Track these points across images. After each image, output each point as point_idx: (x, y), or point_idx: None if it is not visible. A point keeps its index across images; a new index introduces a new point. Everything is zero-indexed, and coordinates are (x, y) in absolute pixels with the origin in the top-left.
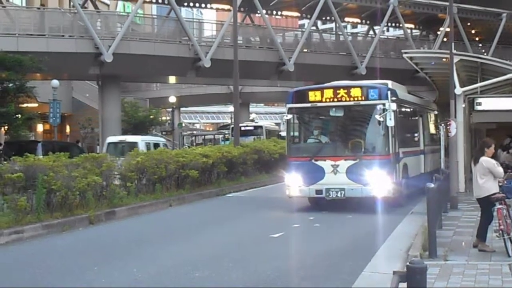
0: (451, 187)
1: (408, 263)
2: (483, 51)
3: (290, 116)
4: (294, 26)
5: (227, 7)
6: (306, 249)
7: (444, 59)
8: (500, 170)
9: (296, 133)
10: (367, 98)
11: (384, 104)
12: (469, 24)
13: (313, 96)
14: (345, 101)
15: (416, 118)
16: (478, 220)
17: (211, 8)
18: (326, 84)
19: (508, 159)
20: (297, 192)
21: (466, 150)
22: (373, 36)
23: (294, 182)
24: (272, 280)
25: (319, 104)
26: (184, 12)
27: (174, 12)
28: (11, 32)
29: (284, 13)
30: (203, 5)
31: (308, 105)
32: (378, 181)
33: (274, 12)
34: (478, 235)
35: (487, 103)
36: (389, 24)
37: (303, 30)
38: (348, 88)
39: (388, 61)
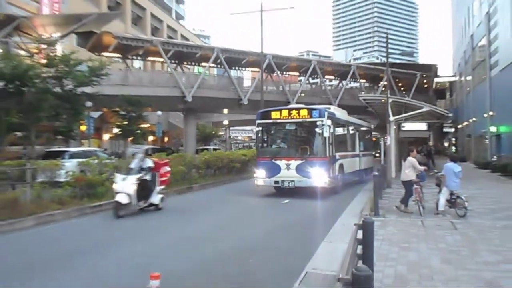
0: (387, 174)
1: (363, 219)
2: (406, 95)
3: (258, 129)
4: (295, 81)
5: (257, 69)
6: (303, 212)
7: (383, 100)
8: (418, 166)
9: (263, 141)
10: (311, 116)
11: (322, 121)
12: (397, 80)
13: (274, 114)
14: (296, 118)
15: (353, 132)
16: (403, 194)
17: (248, 70)
18: (283, 107)
19: (421, 159)
20: (262, 182)
21: (396, 153)
22: (342, 86)
23: (260, 175)
24: (284, 226)
25: (278, 120)
26: (233, 72)
27: (227, 72)
28: (134, 84)
29: (290, 73)
30: (242, 68)
31: (270, 121)
32: (318, 175)
33: (284, 73)
34: (403, 202)
35: (408, 126)
36: (351, 79)
37: (301, 83)
38: (298, 109)
39: (351, 101)
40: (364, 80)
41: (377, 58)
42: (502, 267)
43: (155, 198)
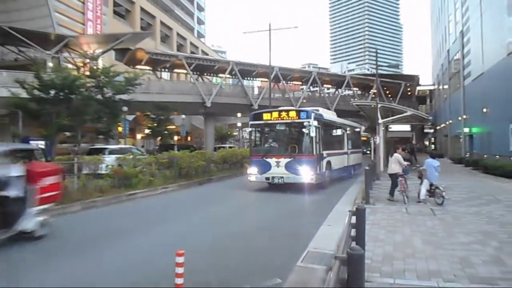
0: (376, 168)
1: (356, 206)
2: (392, 101)
3: (251, 129)
4: (297, 89)
5: (266, 79)
6: (300, 202)
7: (372, 106)
8: (403, 161)
9: (255, 140)
10: (299, 118)
11: (309, 122)
12: (385, 88)
13: (266, 116)
14: (286, 119)
15: (341, 131)
16: (390, 185)
17: (257, 80)
18: (274, 109)
19: (405, 155)
20: (254, 178)
21: (384, 150)
22: (338, 93)
23: (252, 172)
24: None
25: (269, 122)
26: (245, 82)
27: (240, 82)
28: (162, 92)
29: (293, 82)
30: (254, 79)
31: (262, 122)
32: (305, 172)
33: (288, 82)
34: (390, 193)
35: (394, 127)
36: (346, 88)
37: (303, 91)
38: (287, 111)
39: (345, 106)
40: (356, 88)
41: (368, 70)
42: (473, 247)
43: (28, 223)
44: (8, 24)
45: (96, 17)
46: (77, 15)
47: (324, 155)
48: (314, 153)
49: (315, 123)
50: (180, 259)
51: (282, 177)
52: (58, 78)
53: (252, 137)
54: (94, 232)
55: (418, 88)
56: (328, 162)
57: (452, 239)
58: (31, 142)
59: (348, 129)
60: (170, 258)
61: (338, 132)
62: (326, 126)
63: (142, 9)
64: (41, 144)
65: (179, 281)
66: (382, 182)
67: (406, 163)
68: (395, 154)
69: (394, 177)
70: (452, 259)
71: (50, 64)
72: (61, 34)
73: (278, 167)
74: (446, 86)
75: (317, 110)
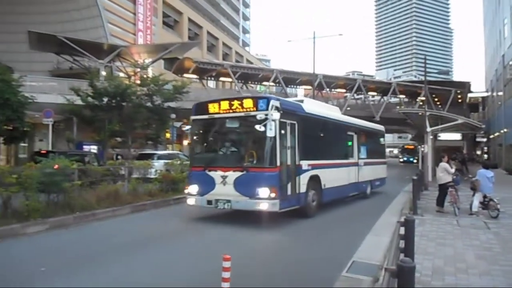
0: (425, 178)
1: (404, 217)
2: (441, 109)
3: (192, 127)
4: (341, 96)
5: (309, 87)
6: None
7: (420, 113)
8: (450, 169)
9: (197, 144)
10: (257, 109)
11: (266, 115)
12: (433, 95)
13: (212, 107)
14: (238, 111)
15: (345, 134)
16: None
17: (301, 88)
18: (224, 98)
19: (456, 165)
20: (193, 201)
21: (432, 160)
22: (383, 101)
23: (192, 191)
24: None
25: (216, 115)
26: (288, 89)
27: (284, 90)
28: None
29: (338, 90)
30: (297, 86)
31: (207, 116)
32: (262, 193)
33: (331, 90)
34: (438, 204)
35: (443, 136)
36: (392, 95)
37: (347, 98)
38: (241, 99)
39: (391, 114)
40: (403, 96)
41: (415, 76)
42: None
43: None
44: (63, 34)
45: (146, 28)
46: (128, 26)
47: (305, 167)
48: (280, 163)
49: (277, 116)
50: (226, 264)
51: (228, 201)
52: (110, 86)
53: (194, 139)
54: (155, 232)
55: (470, 95)
56: (314, 178)
57: (508, 254)
58: (84, 146)
59: (359, 131)
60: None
61: (339, 134)
62: (310, 124)
63: (189, 19)
64: (93, 148)
65: (225, 285)
66: (431, 193)
67: (453, 170)
68: (441, 163)
69: (443, 187)
70: (508, 276)
71: (103, 73)
72: (114, 44)
73: (224, 185)
74: (500, 93)
75: (301, 102)
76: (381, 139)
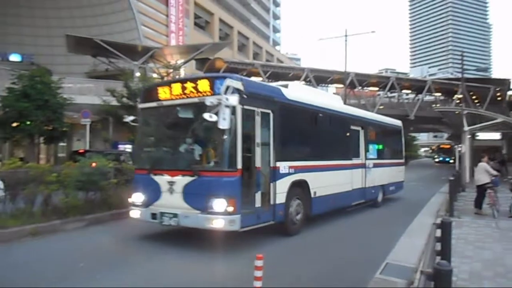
0: (462, 179)
1: (441, 219)
2: (479, 107)
3: (138, 118)
4: (373, 95)
5: (341, 85)
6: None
7: (457, 112)
8: (491, 170)
9: (144, 140)
10: (214, 93)
11: (219, 101)
12: (471, 93)
13: (162, 93)
14: (192, 96)
15: (346, 128)
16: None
17: (332, 86)
18: (177, 79)
19: (495, 166)
20: (138, 214)
21: (470, 160)
22: (418, 99)
23: (136, 201)
24: None
25: (165, 103)
26: (320, 88)
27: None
28: None
29: (370, 88)
30: (329, 85)
31: (155, 104)
32: (217, 208)
33: (363, 88)
34: (476, 205)
35: (482, 135)
36: (427, 93)
37: (380, 96)
38: (195, 80)
39: (426, 112)
40: (439, 94)
41: (451, 74)
42: None
43: None
44: (100, 37)
45: (178, 29)
46: (161, 27)
47: (284, 171)
48: (242, 165)
49: (233, 101)
50: (259, 262)
51: (175, 215)
52: (144, 87)
53: (140, 133)
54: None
55: (510, 93)
56: (300, 184)
57: None
58: (119, 146)
59: (368, 126)
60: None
61: (338, 129)
62: (294, 115)
63: (220, 20)
64: (128, 148)
65: (257, 284)
66: (468, 194)
67: (494, 172)
68: (480, 163)
69: (481, 189)
70: None
71: (137, 74)
72: (147, 46)
73: (171, 194)
74: None
75: (285, 86)
76: (398, 136)
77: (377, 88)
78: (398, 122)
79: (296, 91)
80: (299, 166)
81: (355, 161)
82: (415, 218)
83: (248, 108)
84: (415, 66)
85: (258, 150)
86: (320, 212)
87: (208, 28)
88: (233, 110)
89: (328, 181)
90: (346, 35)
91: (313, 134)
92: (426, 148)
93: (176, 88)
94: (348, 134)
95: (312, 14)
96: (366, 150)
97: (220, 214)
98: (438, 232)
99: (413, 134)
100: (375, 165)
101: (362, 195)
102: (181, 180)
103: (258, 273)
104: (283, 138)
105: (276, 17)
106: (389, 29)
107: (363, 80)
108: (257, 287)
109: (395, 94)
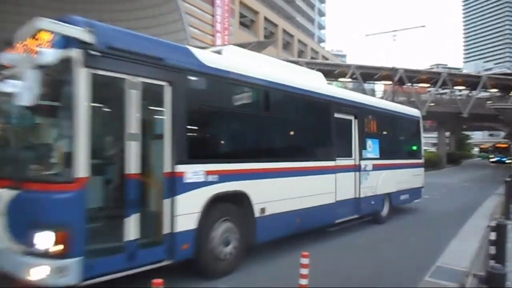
0: None
1: (496, 221)
2: None
3: None
4: (423, 91)
5: (389, 82)
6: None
7: None
8: None
9: None
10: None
11: (25, 57)
12: None
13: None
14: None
15: (335, 118)
16: None
17: (379, 83)
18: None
19: None
20: None
21: None
22: (472, 95)
23: None
24: None
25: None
26: (365, 85)
27: (362, 86)
28: None
29: (420, 84)
30: (376, 82)
31: None
32: (39, 245)
33: (413, 84)
34: None
35: None
36: (481, 89)
37: (430, 93)
38: (36, 32)
39: (481, 109)
40: (495, 90)
41: (508, 68)
42: None
43: None
44: None
45: (224, 29)
46: (207, 28)
47: (196, 178)
48: (82, 171)
49: (49, 57)
50: (304, 260)
51: None
52: None
53: None
54: None
55: None
56: (233, 199)
57: None
58: None
59: (364, 114)
60: None
61: (311, 116)
62: (213, 89)
63: (265, 18)
64: None
65: (304, 282)
66: None
67: None
68: None
69: None
70: None
71: None
72: (194, 46)
73: None
74: None
75: (218, 52)
76: (414, 130)
77: (427, 85)
78: (414, 111)
79: (227, 57)
80: (229, 171)
81: (341, 162)
82: (469, 219)
83: (106, 75)
84: (469, 61)
85: (132, 146)
86: (273, 237)
87: (253, 27)
88: (65, 74)
89: (288, 191)
90: (394, 30)
91: (260, 124)
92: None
93: (20, 47)
94: (329, 124)
95: (359, 10)
96: (362, 147)
97: (43, 257)
98: (493, 235)
99: (466, 133)
100: (377, 167)
101: (354, 208)
102: (5, 195)
103: (304, 271)
104: (196, 126)
105: (321, 13)
106: (441, 23)
107: (413, 76)
108: (303, 285)
109: (447, 91)
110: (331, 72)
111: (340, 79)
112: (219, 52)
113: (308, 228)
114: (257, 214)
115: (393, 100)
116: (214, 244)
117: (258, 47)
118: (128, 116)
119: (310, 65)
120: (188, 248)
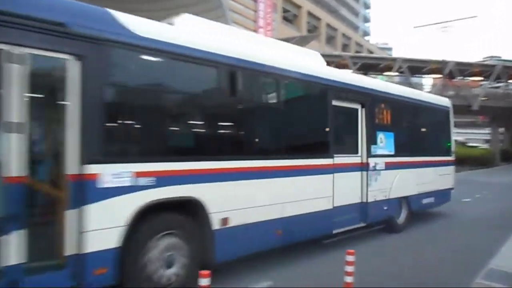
0: None
1: None
2: None
3: None
4: (475, 85)
5: (439, 76)
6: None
7: None
8: None
9: None
10: None
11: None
12: None
13: None
14: None
15: (334, 106)
16: None
17: (428, 77)
18: None
19: None
20: None
21: None
22: None
23: None
24: None
25: None
26: (413, 79)
27: (409, 80)
28: None
29: (472, 78)
30: (424, 76)
31: None
32: None
33: (465, 78)
34: None
35: None
36: None
37: (483, 87)
38: None
39: None
40: None
41: None
42: None
43: None
44: None
45: (266, 24)
46: (249, 23)
47: (123, 181)
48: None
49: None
50: (350, 258)
51: None
52: None
53: None
54: None
55: None
56: (180, 207)
57: None
58: None
59: (375, 102)
60: None
61: (295, 102)
62: (148, 65)
63: (308, 12)
64: None
65: (349, 279)
66: None
67: None
68: None
69: None
70: None
71: None
72: None
73: None
74: None
75: (170, 23)
76: (442, 122)
77: (480, 78)
78: (443, 100)
79: (181, 28)
80: (172, 171)
81: (342, 159)
82: None
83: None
84: None
85: (12, 140)
86: (242, 253)
87: (295, 21)
88: None
89: (264, 196)
90: (444, 22)
91: (224, 111)
92: None
93: None
94: (324, 114)
95: (406, 1)
96: (371, 142)
97: None
98: None
99: None
100: (391, 166)
101: (359, 215)
102: None
103: (349, 268)
104: (121, 114)
105: (366, 6)
106: (494, 13)
107: (464, 69)
108: (348, 283)
109: (501, 84)
110: (376, 66)
111: (385, 73)
112: (171, 23)
113: (294, 240)
114: (216, 226)
115: (441, 95)
116: (151, 266)
117: (301, 41)
118: (6, 100)
119: (354, 59)
120: (106, 273)
